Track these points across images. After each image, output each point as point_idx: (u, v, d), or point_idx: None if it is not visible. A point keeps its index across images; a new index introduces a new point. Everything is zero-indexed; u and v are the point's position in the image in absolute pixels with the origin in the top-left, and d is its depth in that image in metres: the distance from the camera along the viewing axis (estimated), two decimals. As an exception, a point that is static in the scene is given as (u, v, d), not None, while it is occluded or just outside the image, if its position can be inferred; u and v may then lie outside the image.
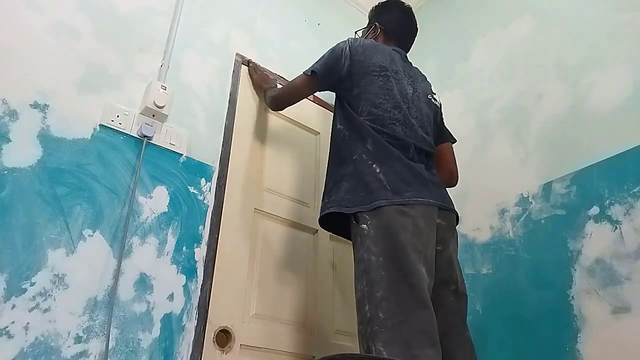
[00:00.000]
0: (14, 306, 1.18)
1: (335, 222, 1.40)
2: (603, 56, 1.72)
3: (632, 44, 1.66)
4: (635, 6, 1.69)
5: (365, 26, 1.84)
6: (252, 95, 1.94)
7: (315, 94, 2.17)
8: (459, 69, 2.32)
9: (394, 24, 1.74)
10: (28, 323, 1.19)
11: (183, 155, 1.64)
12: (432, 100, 1.64)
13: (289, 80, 2.08)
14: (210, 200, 1.65)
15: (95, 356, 1.25)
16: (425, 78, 1.73)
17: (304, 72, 1.61)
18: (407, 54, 1.74)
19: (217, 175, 1.70)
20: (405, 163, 1.35)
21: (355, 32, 1.84)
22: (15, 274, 1.21)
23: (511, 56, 2.07)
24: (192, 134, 1.69)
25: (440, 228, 1.34)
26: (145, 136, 1.54)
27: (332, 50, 1.57)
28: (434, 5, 2.66)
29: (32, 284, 1.22)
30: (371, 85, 1.46)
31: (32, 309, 1.21)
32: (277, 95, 1.74)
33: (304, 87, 1.62)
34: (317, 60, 1.60)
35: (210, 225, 1.61)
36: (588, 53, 1.77)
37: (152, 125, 1.56)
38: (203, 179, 1.66)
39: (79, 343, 1.24)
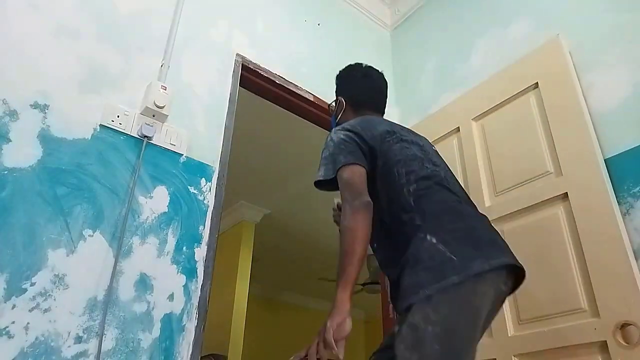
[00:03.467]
0: (14, 306, 1.18)
1: None
2: (603, 56, 1.72)
3: (632, 44, 1.66)
4: (635, 6, 1.69)
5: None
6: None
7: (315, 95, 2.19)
8: (459, 69, 2.32)
9: (359, 94, 1.53)
10: (28, 323, 1.19)
11: (183, 155, 1.64)
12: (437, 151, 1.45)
13: (289, 80, 2.10)
14: (210, 200, 1.65)
15: (95, 356, 1.25)
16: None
17: (335, 173, 1.22)
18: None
19: (217, 175, 1.70)
20: (462, 223, 1.15)
21: (329, 105, 1.65)
22: (16, 274, 1.21)
23: (511, 56, 2.06)
24: (192, 134, 1.69)
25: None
26: (145, 136, 1.54)
27: (335, 144, 1.27)
28: (434, 5, 2.67)
29: (33, 284, 1.22)
30: (391, 151, 1.27)
31: (33, 309, 1.21)
32: (353, 227, 1.12)
33: (361, 177, 1.22)
34: (325, 164, 1.25)
35: (211, 225, 1.61)
36: (588, 53, 1.77)
37: (152, 126, 1.56)
38: (203, 179, 1.66)
39: (79, 343, 1.24)
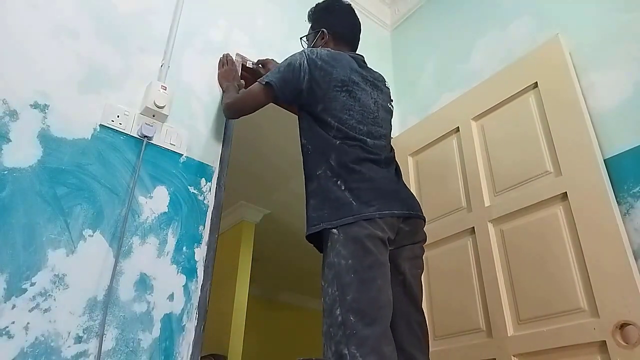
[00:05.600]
0: (14, 306, 1.18)
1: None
2: (603, 56, 1.72)
3: (632, 44, 1.66)
4: (635, 6, 1.69)
5: (309, 32, 1.74)
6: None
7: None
8: (459, 69, 2.32)
9: (342, 27, 1.66)
10: (28, 323, 1.19)
11: (183, 155, 1.64)
12: (390, 107, 1.62)
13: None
14: (210, 200, 1.65)
15: (95, 356, 1.25)
16: (385, 82, 1.66)
17: (258, 81, 1.53)
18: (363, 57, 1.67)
19: (217, 175, 1.70)
20: (369, 177, 1.34)
21: (301, 39, 1.76)
22: (16, 274, 1.21)
23: (511, 56, 2.07)
24: (192, 134, 1.69)
25: (400, 233, 1.35)
26: (145, 136, 1.54)
27: (289, 63, 1.47)
28: (433, 5, 2.67)
29: (32, 284, 1.22)
30: (335, 102, 1.42)
31: (32, 309, 1.21)
32: (232, 104, 1.63)
33: (260, 98, 1.52)
34: (273, 71, 1.52)
35: (210, 225, 1.61)
36: (588, 53, 1.77)
37: (152, 125, 1.56)
38: (203, 179, 1.66)
39: (79, 343, 1.24)
